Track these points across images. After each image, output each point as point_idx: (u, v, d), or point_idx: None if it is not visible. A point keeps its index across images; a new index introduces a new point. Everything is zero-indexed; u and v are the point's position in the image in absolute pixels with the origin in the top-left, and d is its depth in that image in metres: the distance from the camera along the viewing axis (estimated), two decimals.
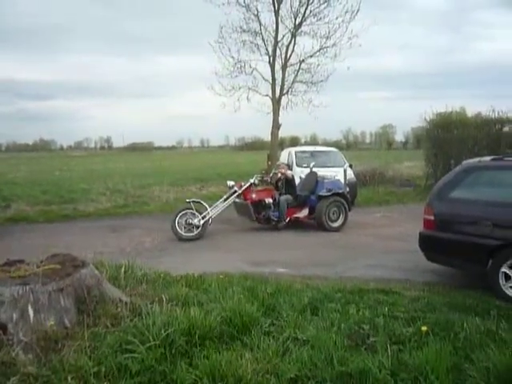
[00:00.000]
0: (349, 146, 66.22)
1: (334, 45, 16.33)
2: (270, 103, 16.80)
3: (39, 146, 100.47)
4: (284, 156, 13.66)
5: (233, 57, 16.61)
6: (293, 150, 13.57)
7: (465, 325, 3.64)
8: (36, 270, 3.67)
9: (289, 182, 9.48)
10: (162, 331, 3.17)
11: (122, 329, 3.33)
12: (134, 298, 3.99)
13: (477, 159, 5.80)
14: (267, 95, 16.72)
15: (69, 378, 2.72)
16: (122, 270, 4.56)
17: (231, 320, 3.54)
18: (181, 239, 8.28)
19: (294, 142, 54.20)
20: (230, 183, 9.30)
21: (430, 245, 5.61)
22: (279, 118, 16.75)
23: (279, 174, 9.55)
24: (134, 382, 2.76)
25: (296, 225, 9.49)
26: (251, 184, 9.18)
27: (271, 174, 10.06)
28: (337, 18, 16.02)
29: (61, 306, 3.37)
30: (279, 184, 9.56)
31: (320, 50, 16.49)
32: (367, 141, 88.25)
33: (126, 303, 3.78)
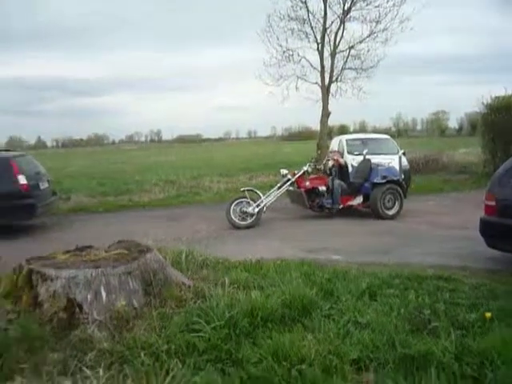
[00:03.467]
0: (399, 133, 64.46)
1: (384, 29, 15.92)
2: (319, 91, 16.65)
3: (93, 140, 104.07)
4: (334, 144, 13.53)
5: (281, 45, 16.53)
6: (344, 137, 13.42)
7: None
8: (105, 255, 3.89)
9: (342, 169, 9.44)
10: (226, 313, 3.30)
11: (187, 310, 3.49)
12: (196, 281, 4.15)
13: None
14: (316, 83, 16.56)
15: (141, 354, 2.88)
16: (183, 255, 4.74)
17: (291, 303, 3.63)
18: (235, 227, 8.43)
19: (343, 130, 53.44)
20: (284, 171, 9.36)
21: (491, 231, 5.46)
22: (328, 106, 16.58)
23: (332, 162, 9.52)
24: (202, 360, 2.89)
25: (350, 212, 9.44)
26: (304, 172, 9.21)
27: (324, 162, 10.04)
28: (387, 2, 15.61)
29: (129, 288, 3.56)
30: (332, 171, 9.52)
31: (370, 35, 16.13)
32: (418, 128, 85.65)
33: (189, 286, 3.95)
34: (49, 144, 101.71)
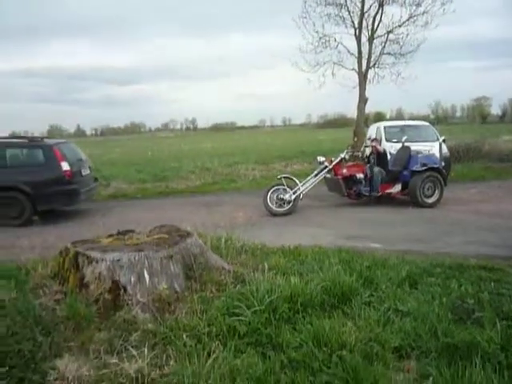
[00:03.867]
0: (438, 120, 62.62)
1: (424, 12, 15.42)
2: (356, 77, 16.36)
3: (130, 128, 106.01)
4: (372, 131, 13.30)
5: (317, 31, 16.29)
6: (381, 124, 13.18)
7: None
8: (147, 239, 3.97)
9: (380, 156, 9.28)
10: (266, 297, 3.32)
11: (228, 294, 3.52)
12: (236, 266, 4.19)
13: None
14: (353, 69, 16.28)
15: (184, 336, 2.95)
16: (223, 240, 4.79)
17: (331, 289, 3.62)
18: (272, 214, 8.46)
19: (379, 117, 52.44)
20: (321, 159, 9.28)
21: None
22: (365, 92, 16.28)
23: (370, 149, 9.37)
24: (243, 343, 2.93)
25: (388, 201, 9.30)
26: (342, 159, 9.12)
27: (362, 149, 9.90)
28: None
29: (171, 271, 3.62)
30: (370, 158, 9.38)
31: (409, 18, 15.65)
32: (458, 114, 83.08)
33: (228, 271, 3.99)
34: (88, 132, 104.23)
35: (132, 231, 4.33)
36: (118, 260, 3.45)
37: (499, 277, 4.32)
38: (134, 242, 3.91)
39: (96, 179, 10.35)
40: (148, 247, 3.67)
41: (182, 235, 4.06)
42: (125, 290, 3.38)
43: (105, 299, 3.35)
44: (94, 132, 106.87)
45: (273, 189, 8.67)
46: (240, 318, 3.14)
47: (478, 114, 69.86)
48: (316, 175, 9.07)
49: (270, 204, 8.53)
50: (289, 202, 8.56)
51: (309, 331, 2.99)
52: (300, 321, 3.19)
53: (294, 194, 8.60)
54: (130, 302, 3.32)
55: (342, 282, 3.69)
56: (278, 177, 9.09)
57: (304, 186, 8.82)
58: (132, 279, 3.43)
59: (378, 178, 9.00)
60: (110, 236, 4.17)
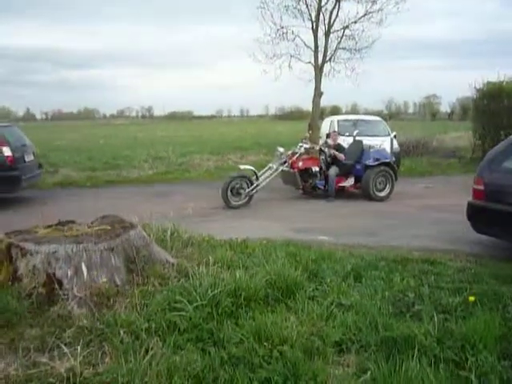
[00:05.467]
0: (391, 116, 64.30)
1: (380, 9, 15.67)
2: (312, 71, 16.45)
3: (83, 114, 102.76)
4: (326, 125, 13.42)
5: (275, 23, 16.26)
6: (335, 118, 13.32)
7: None
8: (87, 230, 3.81)
9: (337, 159, 9.30)
10: (209, 292, 3.24)
11: (170, 288, 3.43)
12: (181, 259, 4.09)
13: None
14: (309, 62, 16.34)
15: (121, 332, 2.84)
16: (168, 232, 4.67)
17: (276, 283, 3.59)
18: (229, 206, 8.27)
19: (335, 111, 53.15)
20: (280, 149, 9.14)
21: (478, 216, 5.43)
22: (321, 86, 16.41)
23: (327, 149, 9.40)
24: (183, 339, 2.85)
25: (340, 194, 9.40)
26: (298, 153, 9.08)
27: (317, 147, 9.86)
28: None
29: (112, 264, 3.49)
30: (328, 154, 9.39)
31: (365, 15, 15.85)
32: (410, 111, 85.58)
33: (172, 264, 3.89)
34: (38, 117, 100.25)
35: (73, 222, 4.14)
36: (54, 252, 3.29)
37: (440, 270, 4.44)
38: (74, 233, 3.73)
39: (40, 166, 9.93)
40: (88, 239, 3.51)
41: (125, 227, 3.91)
42: (60, 284, 3.22)
43: (38, 294, 3.18)
44: (44, 116, 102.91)
45: (233, 180, 8.40)
46: (181, 313, 3.06)
47: (429, 111, 72.20)
48: (274, 167, 8.93)
49: (228, 195, 8.27)
50: (246, 194, 8.40)
51: (251, 326, 2.94)
52: (242, 315, 3.14)
53: (253, 186, 8.46)
54: (65, 297, 3.17)
55: (287, 275, 3.67)
56: (241, 167, 8.93)
57: (263, 179, 8.68)
58: (69, 273, 3.27)
59: (333, 181, 9.02)
60: (49, 227, 3.97)
